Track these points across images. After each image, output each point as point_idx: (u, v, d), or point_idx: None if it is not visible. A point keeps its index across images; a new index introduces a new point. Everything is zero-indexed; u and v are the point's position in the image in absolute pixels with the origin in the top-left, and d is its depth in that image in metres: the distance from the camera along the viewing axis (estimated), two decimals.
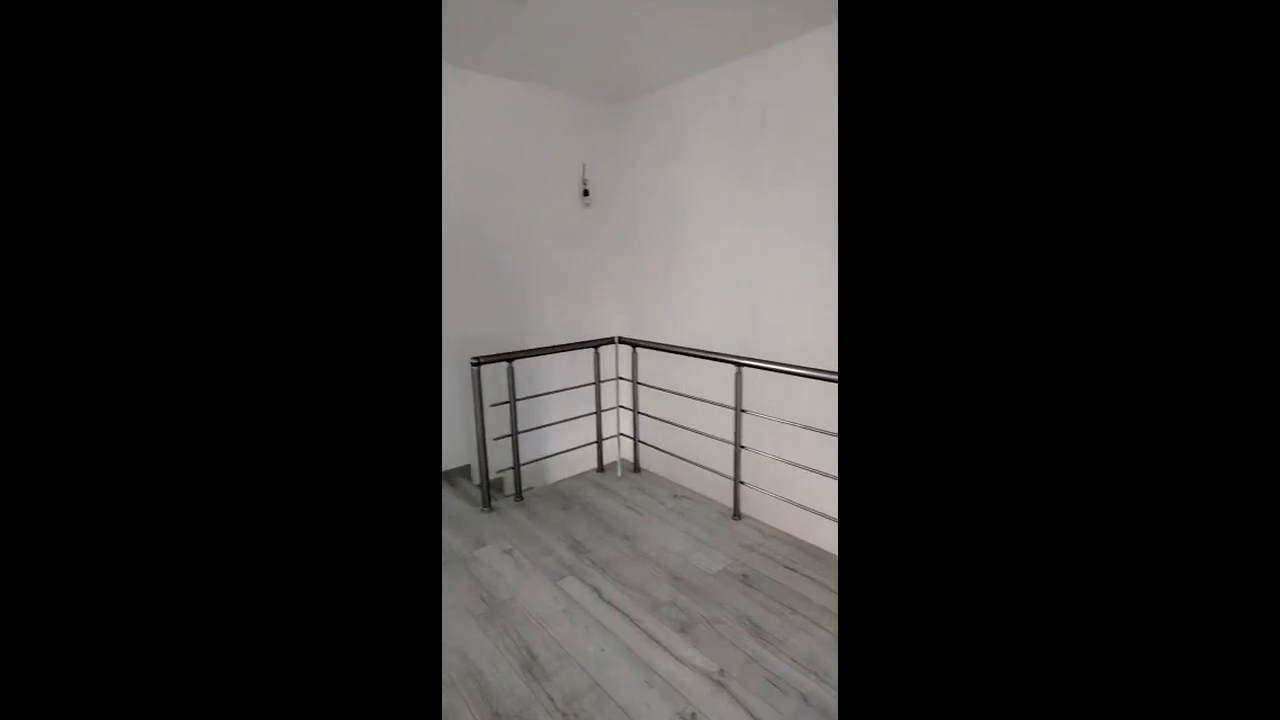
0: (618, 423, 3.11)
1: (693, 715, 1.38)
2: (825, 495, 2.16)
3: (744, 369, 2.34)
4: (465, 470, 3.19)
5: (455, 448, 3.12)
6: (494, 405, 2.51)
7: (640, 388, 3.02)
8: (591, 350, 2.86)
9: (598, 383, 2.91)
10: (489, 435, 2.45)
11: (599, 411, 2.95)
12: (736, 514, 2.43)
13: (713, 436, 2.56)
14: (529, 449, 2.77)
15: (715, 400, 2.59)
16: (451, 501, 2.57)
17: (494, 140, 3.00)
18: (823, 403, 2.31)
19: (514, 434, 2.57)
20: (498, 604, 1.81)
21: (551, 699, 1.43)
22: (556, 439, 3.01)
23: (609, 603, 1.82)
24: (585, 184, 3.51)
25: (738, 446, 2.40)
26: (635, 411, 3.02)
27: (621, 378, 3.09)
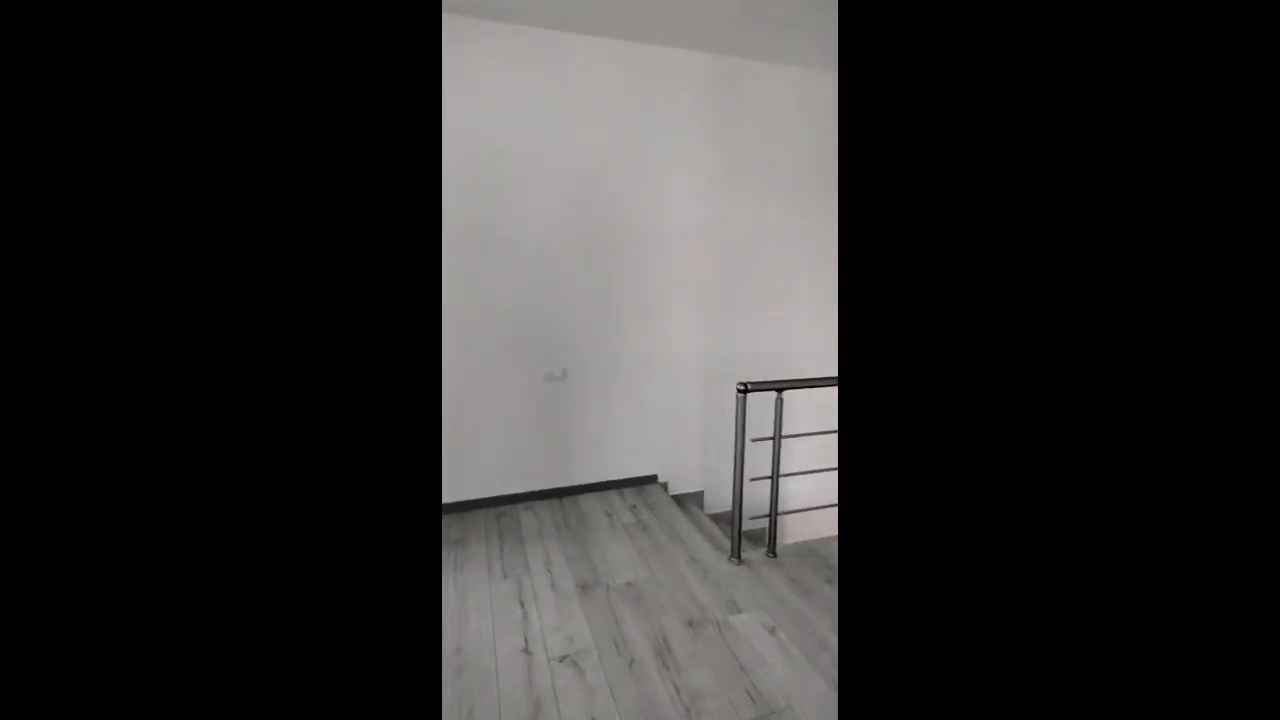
0: None
1: None
2: None
3: None
4: (698, 496, 2.92)
5: (691, 472, 2.87)
6: (755, 440, 2.15)
7: None
8: None
9: None
10: (747, 475, 2.10)
11: None
12: None
13: None
14: (777, 495, 2.35)
15: None
16: (692, 538, 2.28)
17: (763, 133, 2.66)
18: None
19: (774, 476, 2.17)
20: (770, 712, 1.41)
21: None
22: (808, 489, 2.53)
23: None
24: None
25: None
26: None
27: None
